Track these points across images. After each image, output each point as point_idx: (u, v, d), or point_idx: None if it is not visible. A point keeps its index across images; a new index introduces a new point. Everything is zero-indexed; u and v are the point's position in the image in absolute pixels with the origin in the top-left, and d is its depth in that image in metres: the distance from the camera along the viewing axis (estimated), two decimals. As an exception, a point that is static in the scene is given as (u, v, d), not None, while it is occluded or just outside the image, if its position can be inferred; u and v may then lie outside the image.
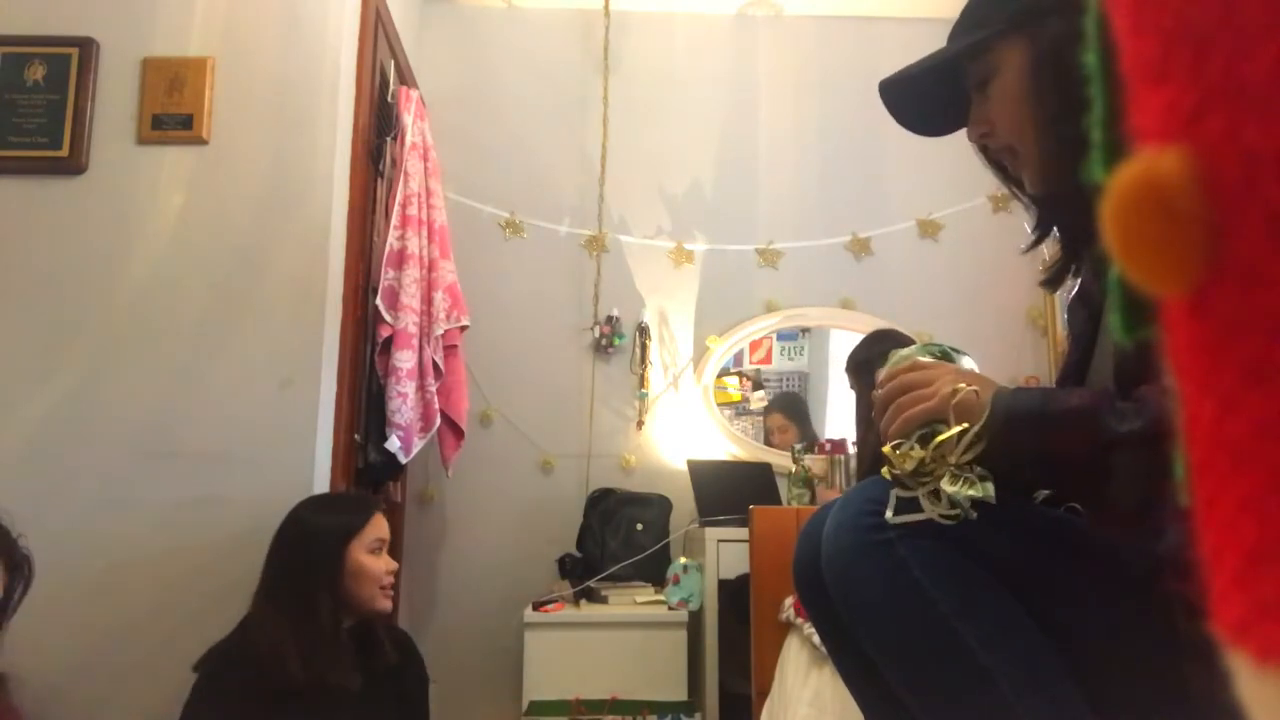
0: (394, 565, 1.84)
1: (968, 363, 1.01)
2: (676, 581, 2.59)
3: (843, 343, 3.20)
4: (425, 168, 2.65)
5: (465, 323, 2.69)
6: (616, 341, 3.13)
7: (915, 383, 0.93)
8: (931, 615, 0.84)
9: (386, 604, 1.81)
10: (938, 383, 0.91)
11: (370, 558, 1.79)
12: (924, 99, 1.06)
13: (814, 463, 2.80)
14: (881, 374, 0.99)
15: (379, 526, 1.83)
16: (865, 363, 2.29)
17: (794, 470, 2.74)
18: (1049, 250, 1.05)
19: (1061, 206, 0.96)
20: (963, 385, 0.89)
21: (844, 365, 2.45)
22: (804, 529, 1.02)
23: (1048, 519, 0.91)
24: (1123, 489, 0.85)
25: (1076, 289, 1.01)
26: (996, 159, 1.03)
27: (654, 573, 2.71)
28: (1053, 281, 1.02)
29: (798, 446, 2.80)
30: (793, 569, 1.03)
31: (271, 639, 1.65)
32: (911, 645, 0.87)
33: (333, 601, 1.71)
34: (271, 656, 1.64)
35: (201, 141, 2.18)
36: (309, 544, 1.76)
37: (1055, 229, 1.02)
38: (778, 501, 2.84)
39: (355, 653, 1.77)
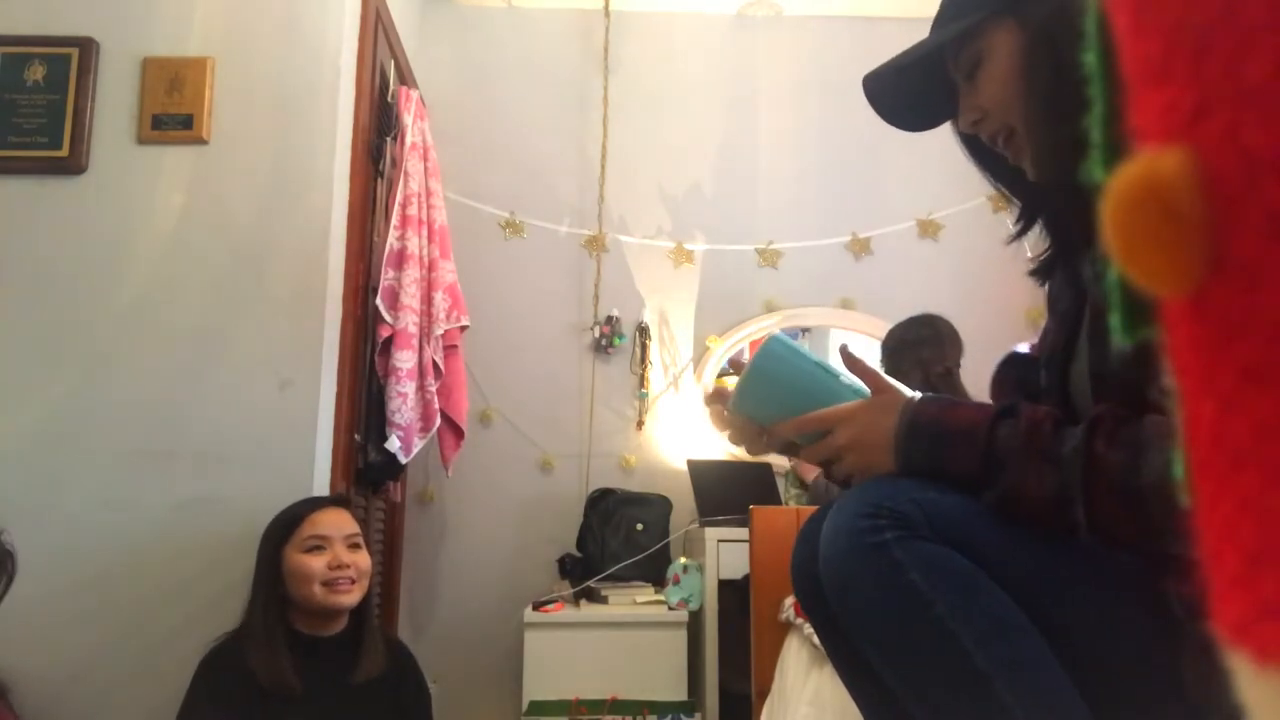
0: (342, 559, 1.77)
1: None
2: (676, 581, 2.59)
3: (843, 343, 3.20)
4: (425, 168, 2.64)
5: (465, 323, 2.69)
6: (616, 341, 3.13)
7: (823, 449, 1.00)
8: (928, 617, 0.84)
9: (340, 598, 1.76)
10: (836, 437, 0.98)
11: (305, 556, 1.76)
12: (909, 94, 1.05)
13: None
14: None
15: (316, 524, 1.79)
16: (904, 344, 2.25)
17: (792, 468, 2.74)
18: (1030, 244, 1.04)
19: (1055, 192, 0.95)
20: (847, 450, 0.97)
21: (880, 342, 2.40)
22: (801, 531, 1.02)
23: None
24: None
25: (1062, 269, 1.00)
26: (990, 148, 1.00)
27: (654, 573, 2.71)
28: (1041, 273, 1.02)
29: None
30: (790, 572, 1.02)
31: (244, 644, 1.73)
32: (909, 647, 0.86)
33: (267, 606, 1.75)
34: (250, 660, 1.70)
35: (201, 141, 2.18)
36: (258, 554, 1.82)
37: (1041, 220, 1.01)
38: (778, 501, 2.84)
39: (340, 657, 1.79)
